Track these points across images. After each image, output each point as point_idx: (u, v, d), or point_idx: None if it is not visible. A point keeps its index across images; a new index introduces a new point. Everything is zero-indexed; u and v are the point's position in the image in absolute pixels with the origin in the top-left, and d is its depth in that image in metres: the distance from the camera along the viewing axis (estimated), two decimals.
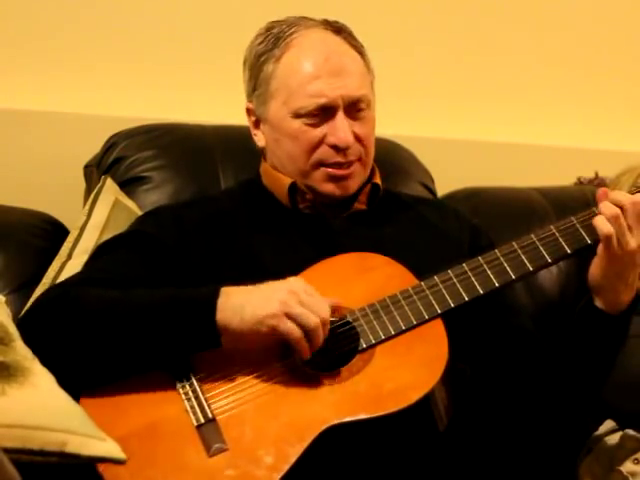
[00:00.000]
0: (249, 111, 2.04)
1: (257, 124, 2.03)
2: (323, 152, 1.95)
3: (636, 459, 2.07)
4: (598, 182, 2.77)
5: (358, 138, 1.95)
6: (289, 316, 1.73)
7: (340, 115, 1.93)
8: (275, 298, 1.74)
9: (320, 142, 1.95)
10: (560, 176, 2.79)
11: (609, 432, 2.15)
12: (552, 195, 2.66)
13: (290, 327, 1.73)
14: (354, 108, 1.94)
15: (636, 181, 2.37)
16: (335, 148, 1.94)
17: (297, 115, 1.94)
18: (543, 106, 2.94)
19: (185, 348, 1.78)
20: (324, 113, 1.93)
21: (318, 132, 1.94)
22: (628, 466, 2.07)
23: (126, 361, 1.78)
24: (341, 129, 1.93)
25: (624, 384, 2.05)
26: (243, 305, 1.74)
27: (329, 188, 1.97)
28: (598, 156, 2.87)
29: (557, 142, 2.93)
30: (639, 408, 2.13)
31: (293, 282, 1.77)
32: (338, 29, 1.98)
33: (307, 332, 1.73)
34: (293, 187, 1.99)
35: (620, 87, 3.00)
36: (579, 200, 2.64)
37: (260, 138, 2.04)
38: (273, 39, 1.96)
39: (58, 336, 1.80)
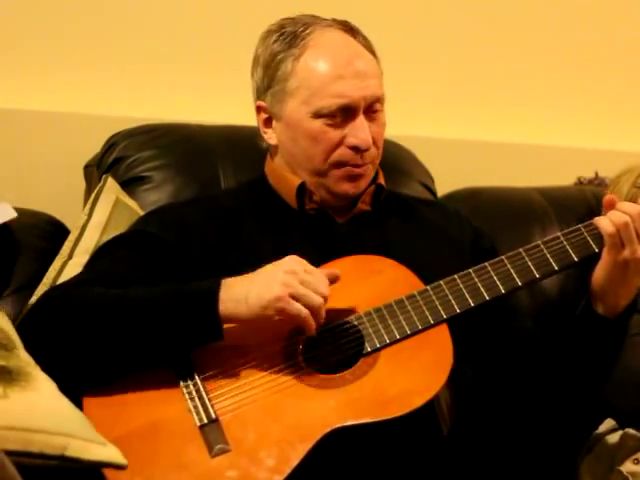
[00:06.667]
0: (260, 109, 2.02)
1: (268, 122, 2.02)
2: (342, 153, 1.95)
3: (636, 459, 2.08)
4: (598, 182, 2.77)
5: (373, 140, 1.95)
6: (294, 297, 1.74)
7: (361, 116, 1.93)
8: (277, 281, 1.74)
9: (339, 143, 1.94)
10: (560, 176, 2.79)
11: (609, 431, 2.16)
12: (552, 195, 2.66)
13: (297, 307, 1.74)
14: (371, 109, 1.95)
15: (636, 181, 2.38)
16: (355, 149, 1.94)
17: (318, 115, 1.93)
18: (543, 106, 2.94)
19: (187, 341, 1.78)
20: (345, 114, 1.93)
21: (338, 133, 1.94)
22: (628, 466, 2.08)
23: (128, 357, 1.78)
24: (362, 130, 1.93)
25: (625, 383, 2.05)
26: (246, 293, 1.75)
27: (344, 187, 1.98)
28: (598, 156, 2.86)
29: (557, 142, 2.92)
30: (639, 407, 2.13)
31: (290, 261, 1.78)
32: (353, 30, 1.99)
33: (312, 310, 1.74)
34: (301, 188, 1.99)
35: (620, 87, 3.00)
36: (579, 200, 2.65)
37: (271, 136, 2.02)
38: (289, 38, 1.96)
39: (60, 336, 1.79)
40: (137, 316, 1.78)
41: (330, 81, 1.92)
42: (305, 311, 1.74)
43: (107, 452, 1.65)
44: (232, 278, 1.79)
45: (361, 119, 1.93)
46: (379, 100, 1.96)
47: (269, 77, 1.98)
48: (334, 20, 2.00)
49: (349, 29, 1.99)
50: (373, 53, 2.00)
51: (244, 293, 1.75)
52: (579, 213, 2.58)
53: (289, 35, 1.96)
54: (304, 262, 1.78)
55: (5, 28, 2.55)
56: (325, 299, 1.76)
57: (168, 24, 2.66)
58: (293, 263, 1.77)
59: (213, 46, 2.67)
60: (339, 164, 1.96)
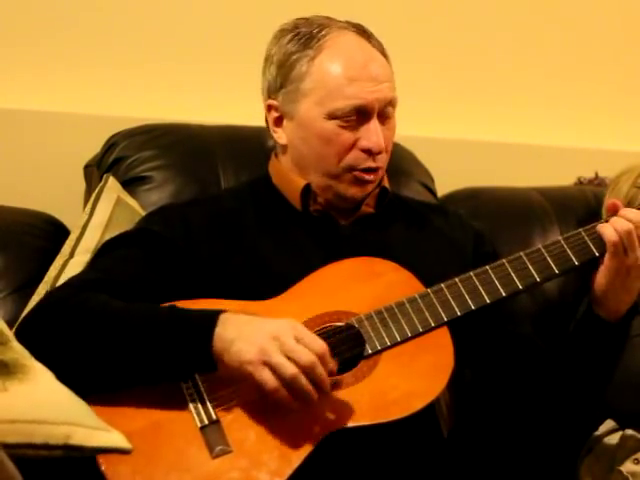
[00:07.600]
0: (271, 107, 2.01)
1: (279, 121, 2.01)
2: (354, 156, 1.94)
3: (636, 459, 2.07)
4: (598, 182, 2.77)
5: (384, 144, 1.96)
6: (267, 364, 1.68)
7: (374, 120, 1.93)
8: (257, 343, 1.69)
9: (352, 146, 1.94)
10: (560, 176, 2.79)
11: (609, 432, 2.15)
12: (552, 195, 2.66)
13: (265, 377, 1.68)
14: (384, 113, 1.95)
15: (636, 181, 2.37)
16: (367, 152, 1.94)
17: (332, 116, 1.93)
18: (543, 106, 2.94)
19: (182, 371, 1.76)
20: (359, 116, 1.93)
21: (351, 135, 1.94)
22: (628, 466, 2.07)
23: (123, 374, 1.76)
24: (375, 133, 1.93)
25: (624, 384, 2.05)
26: (232, 341, 1.70)
27: (353, 191, 1.98)
28: (598, 156, 2.87)
29: (557, 142, 2.92)
30: (639, 408, 2.13)
31: (282, 325, 1.71)
32: (367, 34, 1.99)
33: (284, 382, 1.68)
34: (307, 189, 1.99)
35: (620, 88, 3.00)
36: (579, 200, 2.65)
37: (281, 136, 2.01)
38: (305, 38, 1.95)
39: (59, 342, 1.78)
40: (134, 339, 1.76)
41: (345, 83, 1.92)
42: (274, 383, 1.67)
43: (111, 438, 1.65)
44: (231, 315, 1.74)
45: (375, 122, 1.93)
46: (392, 103, 1.96)
47: (282, 76, 1.97)
48: (348, 22, 2.00)
49: (363, 32, 1.99)
50: (386, 57, 2.00)
51: (230, 340, 1.70)
52: (579, 213, 2.59)
53: (304, 35, 1.96)
54: (298, 327, 1.71)
55: (5, 28, 2.55)
56: (307, 371, 1.67)
57: (168, 24, 2.66)
58: (282, 327, 1.70)
59: (213, 46, 2.67)
60: (351, 168, 1.95)
